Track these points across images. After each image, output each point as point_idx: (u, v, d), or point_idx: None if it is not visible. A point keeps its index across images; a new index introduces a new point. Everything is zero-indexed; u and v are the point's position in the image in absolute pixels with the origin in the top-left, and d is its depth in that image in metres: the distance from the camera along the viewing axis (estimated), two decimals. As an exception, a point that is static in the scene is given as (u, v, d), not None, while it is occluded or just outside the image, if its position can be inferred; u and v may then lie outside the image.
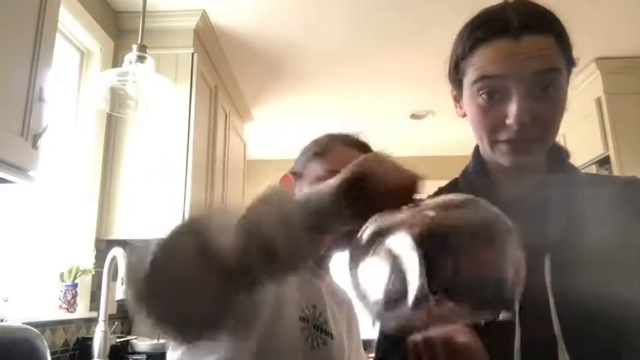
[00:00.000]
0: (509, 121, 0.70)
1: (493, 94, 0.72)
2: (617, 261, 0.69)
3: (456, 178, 0.88)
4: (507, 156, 0.74)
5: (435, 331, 0.58)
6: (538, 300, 0.68)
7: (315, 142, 0.99)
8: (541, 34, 0.70)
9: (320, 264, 0.95)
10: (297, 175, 0.96)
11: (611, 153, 2.99)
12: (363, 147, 0.95)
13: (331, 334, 0.87)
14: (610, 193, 0.76)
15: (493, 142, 0.74)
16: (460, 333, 0.58)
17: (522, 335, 0.68)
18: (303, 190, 0.90)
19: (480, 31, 0.73)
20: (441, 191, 0.89)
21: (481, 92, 0.72)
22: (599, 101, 3.07)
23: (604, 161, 3.05)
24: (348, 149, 0.93)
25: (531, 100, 0.70)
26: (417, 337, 0.59)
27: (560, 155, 0.80)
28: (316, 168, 0.93)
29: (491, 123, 0.73)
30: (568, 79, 0.75)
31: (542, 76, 0.69)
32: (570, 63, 0.75)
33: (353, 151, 0.92)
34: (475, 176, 0.82)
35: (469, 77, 0.75)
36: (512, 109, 0.70)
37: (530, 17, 0.72)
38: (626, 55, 2.98)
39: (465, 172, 0.86)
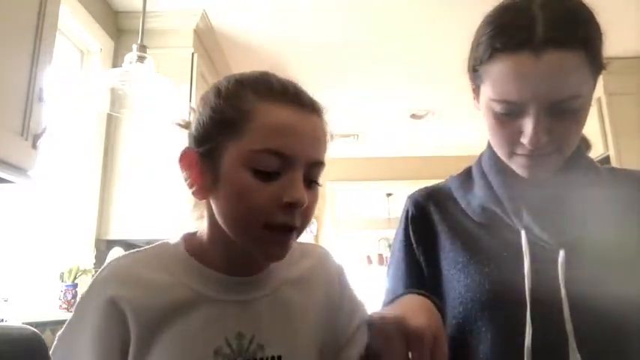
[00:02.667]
0: (525, 140, 0.68)
1: (510, 111, 0.69)
2: (633, 259, 0.68)
3: (470, 167, 0.87)
4: (523, 169, 0.73)
5: (392, 311, 0.57)
6: (551, 298, 0.68)
7: (220, 95, 0.66)
8: (568, 47, 0.64)
9: (247, 269, 0.69)
10: (205, 155, 0.66)
11: (611, 153, 2.99)
12: (296, 97, 0.66)
13: (274, 358, 0.66)
14: (628, 189, 0.75)
15: (509, 154, 0.73)
16: (417, 316, 0.57)
17: (534, 333, 0.67)
18: (220, 182, 0.64)
19: (499, 39, 0.67)
20: (452, 179, 0.89)
21: (498, 110, 0.70)
22: (599, 101, 3.07)
23: (604, 161, 3.05)
24: (277, 108, 0.64)
25: (549, 119, 0.66)
26: (376, 315, 0.58)
27: (578, 148, 0.77)
28: (235, 146, 0.63)
29: (507, 137, 0.71)
30: (596, 83, 0.70)
31: (561, 102, 0.66)
32: (599, 68, 0.69)
33: (285, 111, 0.64)
34: (490, 170, 0.81)
35: (486, 89, 0.71)
36: (528, 128, 0.67)
37: (558, 24, 0.65)
38: (626, 55, 2.98)
39: (479, 164, 0.85)
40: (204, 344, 0.63)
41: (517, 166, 0.73)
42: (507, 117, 0.69)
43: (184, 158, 0.69)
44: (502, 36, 0.67)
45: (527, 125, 0.67)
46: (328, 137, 0.70)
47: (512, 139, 0.70)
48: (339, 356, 0.72)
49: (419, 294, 0.67)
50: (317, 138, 0.66)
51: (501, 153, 0.75)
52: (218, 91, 0.67)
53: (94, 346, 0.62)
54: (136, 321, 0.62)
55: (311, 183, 0.66)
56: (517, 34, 0.65)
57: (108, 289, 0.63)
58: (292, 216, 0.62)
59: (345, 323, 0.74)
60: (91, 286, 0.66)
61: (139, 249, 0.70)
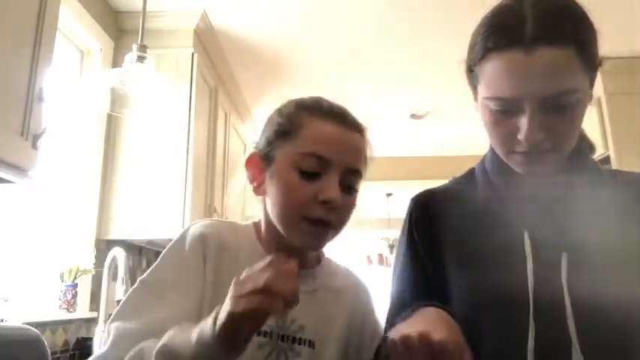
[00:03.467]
0: (521, 136, 0.68)
1: (505, 109, 0.69)
2: (635, 260, 0.68)
3: (473, 168, 0.87)
4: (521, 166, 0.73)
5: (413, 328, 0.58)
6: (554, 299, 0.68)
7: (280, 114, 0.82)
8: (557, 44, 0.65)
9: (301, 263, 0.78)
10: (264, 157, 0.80)
11: (611, 153, 2.99)
12: (340, 116, 0.79)
13: (309, 342, 0.76)
14: (630, 191, 0.75)
15: (507, 152, 0.73)
16: (439, 330, 0.58)
17: (536, 334, 0.67)
18: (273, 179, 0.77)
19: (492, 38, 0.69)
20: (455, 180, 0.88)
21: (493, 107, 0.70)
22: (599, 101, 3.07)
23: (604, 161, 3.05)
24: (322, 122, 0.77)
25: (544, 115, 0.67)
26: (396, 333, 0.58)
27: (581, 150, 0.77)
28: (286, 150, 0.77)
29: (504, 135, 0.72)
30: (592, 80, 0.71)
31: (555, 97, 0.66)
32: (594, 66, 0.70)
33: (329, 125, 0.77)
34: (492, 172, 0.81)
35: (481, 89, 0.72)
36: (524, 125, 0.67)
37: (548, 22, 0.66)
38: (626, 55, 2.98)
39: (482, 165, 0.85)
40: None
41: (515, 163, 0.74)
42: (503, 115, 0.70)
43: (250, 160, 0.82)
44: (494, 36, 0.69)
45: (523, 122, 0.68)
46: (368, 153, 0.82)
47: (509, 138, 0.71)
48: None
49: (434, 306, 0.67)
50: (354, 149, 0.78)
51: (500, 152, 0.75)
52: (280, 112, 0.82)
53: (181, 282, 0.74)
54: (211, 269, 0.75)
55: (349, 189, 0.77)
56: (508, 33, 0.67)
57: (201, 229, 0.77)
58: (327, 212, 0.73)
59: (367, 345, 0.84)
60: (185, 233, 0.79)
61: (221, 220, 0.85)
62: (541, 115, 0.67)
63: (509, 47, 0.66)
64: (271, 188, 0.77)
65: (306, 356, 0.75)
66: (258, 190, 0.80)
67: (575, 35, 0.66)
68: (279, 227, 0.77)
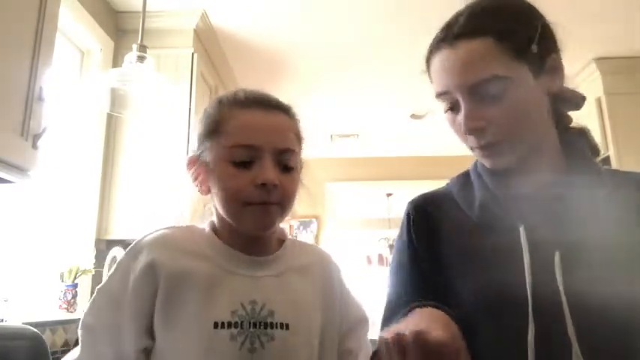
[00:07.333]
0: (463, 130, 0.72)
1: (452, 106, 0.74)
2: (631, 260, 0.68)
3: (467, 171, 0.87)
4: (484, 160, 0.76)
5: (408, 327, 0.56)
6: (552, 299, 0.67)
7: (205, 114, 0.86)
8: (476, 36, 0.70)
9: (257, 251, 0.83)
10: (201, 157, 0.82)
11: (611, 153, 2.99)
12: (258, 101, 0.82)
13: (282, 325, 0.77)
14: (628, 190, 0.75)
15: (470, 148, 0.77)
16: (435, 329, 0.56)
17: (536, 334, 0.67)
18: (212, 176, 0.80)
19: (434, 39, 0.75)
20: (451, 182, 0.89)
21: (441, 103, 0.75)
22: (599, 101, 3.07)
23: (604, 161, 3.05)
24: (242, 112, 0.81)
25: (480, 106, 0.70)
26: (388, 332, 0.56)
27: (581, 151, 0.78)
28: (217, 147, 0.80)
29: (457, 132, 0.76)
30: (534, 66, 0.71)
31: (481, 85, 0.69)
32: (525, 53, 0.70)
33: (249, 113, 0.80)
34: (485, 172, 0.82)
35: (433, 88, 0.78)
36: (461, 117, 0.72)
37: (471, 18, 0.72)
38: (626, 55, 2.98)
39: (475, 166, 0.85)
40: (223, 306, 0.76)
41: (479, 158, 0.77)
42: (453, 113, 0.75)
43: (189, 163, 0.85)
44: (436, 36, 0.76)
45: (460, 116, 0.72)
46: (298, 129, 0.86)
47: (461, 134, 0.75)
48: (340, 347, 0.86)
49: (430, 306, 0.67)
50: (280, 130, 0.81)
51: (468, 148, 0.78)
52: (205, 112, 0.86)
53: (132, 299, 0.75)
54: (167, 282, 0.75)
55: (286, 168, 0.80)
56: (442, 33, 0.74)
57: (151, 253, 0.77)
58: (268, 194, 0.76)
59: (342, 314, 0.87)
60: (137, 247, 0.79)
61: (176, 226, 0.86)
62: (474, 105, 0.70)
63: (440, 45, 0.73)
64: (212, 184, 0.81)
65: (281, 338, 0.76)
66: (203, 189, 0.83)
67: (494, 26, 0.70)
68: (227, 219, 0.80)
